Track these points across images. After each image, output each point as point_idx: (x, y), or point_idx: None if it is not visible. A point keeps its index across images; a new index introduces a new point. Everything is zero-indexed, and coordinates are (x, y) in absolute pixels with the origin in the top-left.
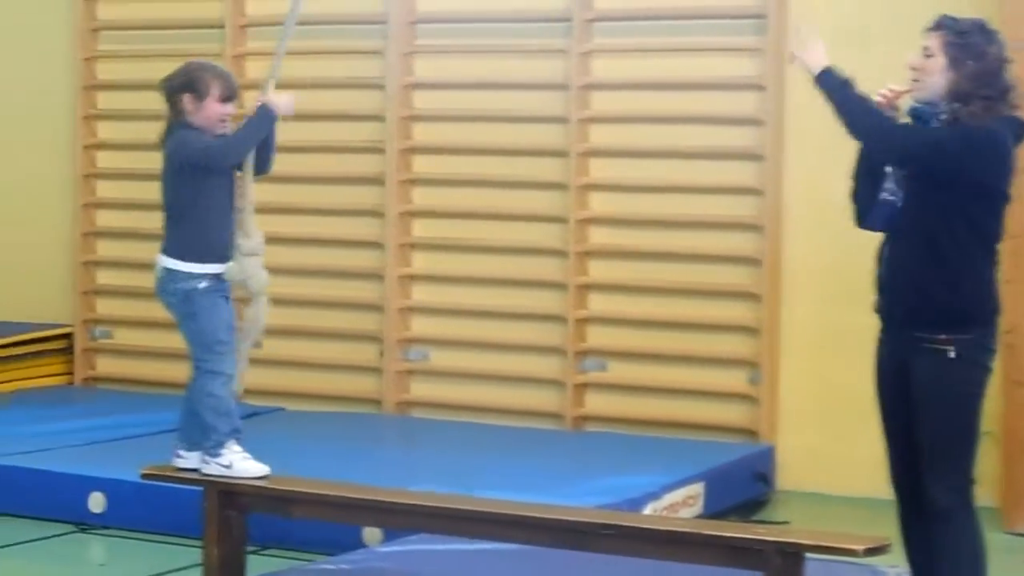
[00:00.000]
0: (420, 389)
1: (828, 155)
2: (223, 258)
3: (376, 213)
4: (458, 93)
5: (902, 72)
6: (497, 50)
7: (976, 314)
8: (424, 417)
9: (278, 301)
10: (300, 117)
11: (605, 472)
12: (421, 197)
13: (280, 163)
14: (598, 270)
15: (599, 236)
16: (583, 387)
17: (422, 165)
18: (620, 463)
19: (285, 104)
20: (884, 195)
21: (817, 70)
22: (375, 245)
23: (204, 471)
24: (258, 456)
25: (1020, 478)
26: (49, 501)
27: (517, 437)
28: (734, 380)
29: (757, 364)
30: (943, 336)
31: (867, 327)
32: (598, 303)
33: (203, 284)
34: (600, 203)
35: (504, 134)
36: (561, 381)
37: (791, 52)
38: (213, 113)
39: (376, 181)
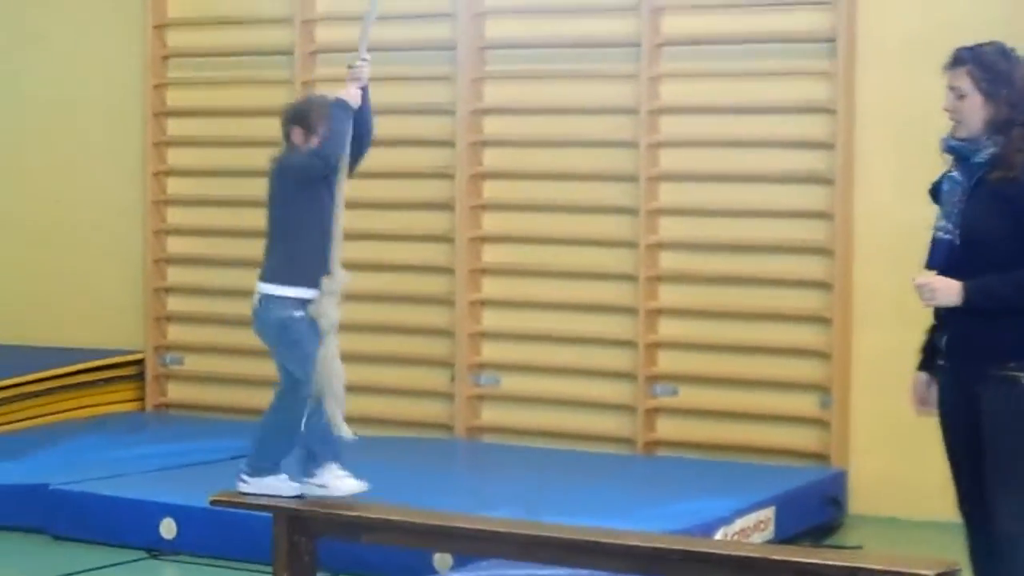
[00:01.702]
0: (491, 414)
1: (898, 178)
2: (317, 285)
3: (446, 239)
4: (527, 118)
5: None
6: (566, 75)
7: None
8: (495, 442)
9: (350, 327)
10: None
11: (676, 497)
12: (491, 223)
13: (351, 188)
14: (668, 295)
15: (669, 261)
16: (654, 412)
17: (492, 191)
18: (691, 488)
19: (352, 97)
20: (939, 233)
21: (960, 301)
22: (446, 270)
23: (302, 492)
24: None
25: None
26: (121, 527)
27: (587, 462)
28: (805, 404)
29: (828, 388)
30: (1012, 364)
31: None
32: (668, 328)
33: (299, 312)
34: (670, 227)
35: (573, 159)
36: (632, 406)
37: (922, 300)
38: None
39: (446, 207)
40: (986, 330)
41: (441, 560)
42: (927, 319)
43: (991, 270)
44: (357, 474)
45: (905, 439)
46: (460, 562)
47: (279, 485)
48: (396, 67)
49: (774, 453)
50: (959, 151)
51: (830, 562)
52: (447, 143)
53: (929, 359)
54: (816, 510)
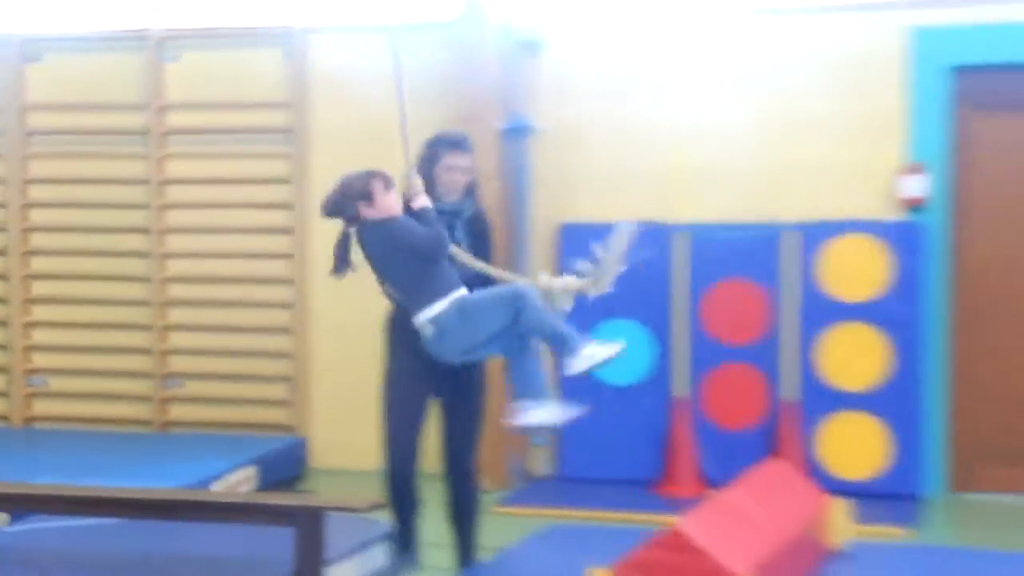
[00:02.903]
0: (41, 408)
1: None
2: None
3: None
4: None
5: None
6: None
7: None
8: (46, 428)
9: None
10: None
11: (183, 461)
12: (40, 264)
13: None
14: (176, 315)
15: (176, 290)
16: (166, 400)
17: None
18: (194, 455)
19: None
20: None
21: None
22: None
23: (577, 370)
24: None
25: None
26: None
27: (117, 440)
28: (278, 391)
29: (294, 379)
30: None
31: (364, 349)
32: (177, 339)
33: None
34: (175, 266)
35: (100, 217)
36: (150, 396)
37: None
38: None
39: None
40: None
41: (2, 519)
42: (364, 332)
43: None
44: None
45: (348, 415)
46: (16, 518)
47: (555, 411)
48: None
49: (256, 427)
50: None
51: (290, 503)
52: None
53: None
54: (287, 467)
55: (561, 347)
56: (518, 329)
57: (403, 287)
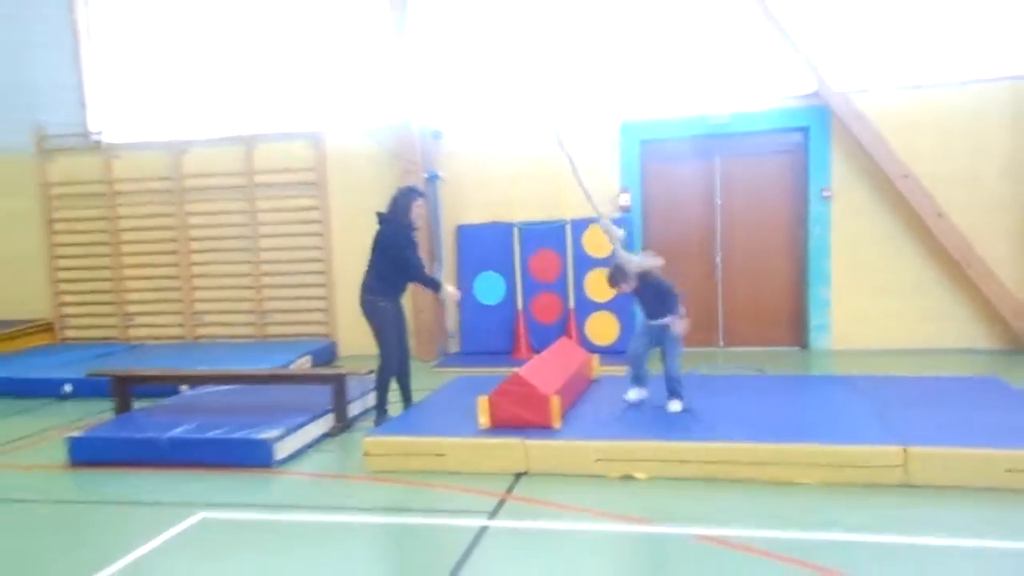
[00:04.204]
0: (202, 331)
1: (353, 230)
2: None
3: None
4: None
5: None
6: None
7: None
8: (204, 341)
9: None
10: None
11: (272, 354)
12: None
13: None
14: (266, 280)
15: (267, 268)
16: (264, 324)
17: None
18: (277, 352)
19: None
20: None
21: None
22: None
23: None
24: None
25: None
26: None
27: (238, 347)
28: (321, 316)
29: (328, 309)
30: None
31: None
32: (268, 292)
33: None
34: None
35: None
36: (254, 323)
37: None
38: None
39: None
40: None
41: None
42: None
43: None
44: None
45: (356, 326)
46: (192, 387)
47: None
48: None
49: (310, 335)
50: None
51: (330, 372)
52: None
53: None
54: (326, 356)
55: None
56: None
57: None
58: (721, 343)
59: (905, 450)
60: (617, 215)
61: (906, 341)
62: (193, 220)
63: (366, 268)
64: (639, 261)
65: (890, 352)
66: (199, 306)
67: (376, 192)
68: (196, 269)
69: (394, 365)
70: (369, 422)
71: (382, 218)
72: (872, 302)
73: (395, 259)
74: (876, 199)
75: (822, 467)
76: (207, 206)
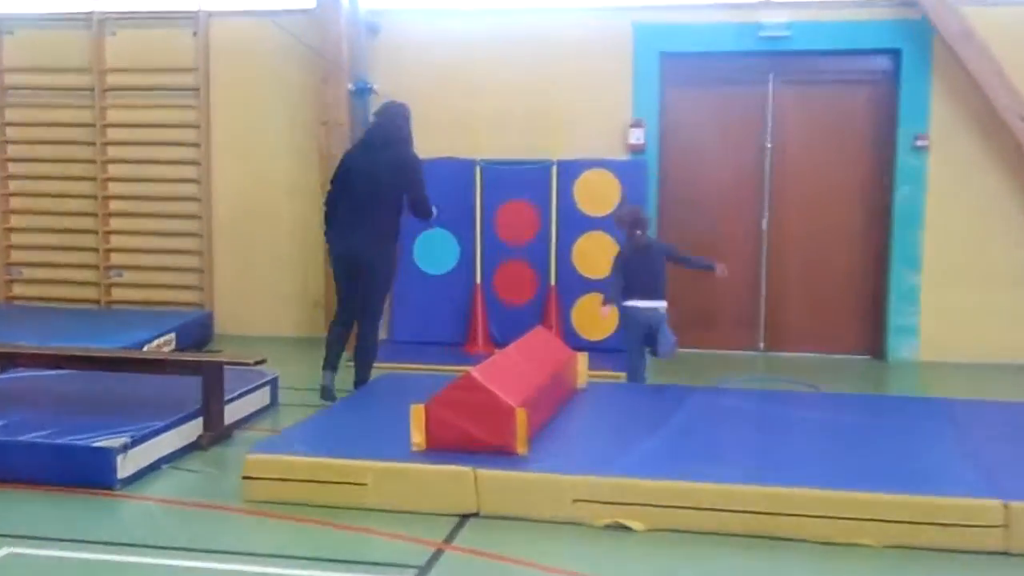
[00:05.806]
0: (18, 291)
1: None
2: None
3: None
4: None
5: None
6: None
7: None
8: (21, 306)
9: None
10: None
11: (122, 330)
12: (16, 186)
13: None
14: (115, 223)
15: (116, 205)
16: (110, 286)
17: None
18: (130, 325)
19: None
20: None
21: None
22: None
23: None
24: None
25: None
26: None
27: (73, 315)
28: (190, 279)
29: (203, 269)
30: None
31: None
32: (116, 241)
33: None
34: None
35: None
36: (98, 283)
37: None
38: None
39: None
40: None
41: None
42: (256, 238)
43: None
44: None
45: (244, 293)
46: (4, 370)
47: None
48: None
49: (176, 304)
50: None
51: (199, 358)
52: None
53: None
54: (197, 335)
55: None
56: None
57: None
58: (761, 346)
59: (1006, 506)
60: (625, 158)
61: (1022, 352)
62: (11, 132)
63: (368, 207)
64: None
65: (999, 368)
66: (16, 255)
67: (280, 104)
68: (13, 202)
69: (376, 342)
70: (255, 431)
71: (391, 137)
72: (978, 295)
73: (415, 191)
74: (989, 152)
75: (893, 525)
76: (32, 114)
